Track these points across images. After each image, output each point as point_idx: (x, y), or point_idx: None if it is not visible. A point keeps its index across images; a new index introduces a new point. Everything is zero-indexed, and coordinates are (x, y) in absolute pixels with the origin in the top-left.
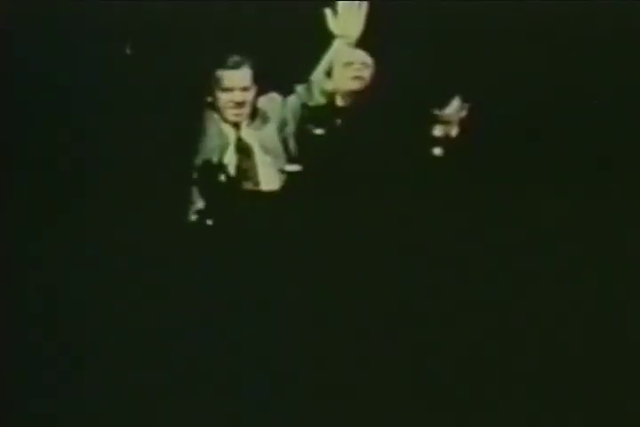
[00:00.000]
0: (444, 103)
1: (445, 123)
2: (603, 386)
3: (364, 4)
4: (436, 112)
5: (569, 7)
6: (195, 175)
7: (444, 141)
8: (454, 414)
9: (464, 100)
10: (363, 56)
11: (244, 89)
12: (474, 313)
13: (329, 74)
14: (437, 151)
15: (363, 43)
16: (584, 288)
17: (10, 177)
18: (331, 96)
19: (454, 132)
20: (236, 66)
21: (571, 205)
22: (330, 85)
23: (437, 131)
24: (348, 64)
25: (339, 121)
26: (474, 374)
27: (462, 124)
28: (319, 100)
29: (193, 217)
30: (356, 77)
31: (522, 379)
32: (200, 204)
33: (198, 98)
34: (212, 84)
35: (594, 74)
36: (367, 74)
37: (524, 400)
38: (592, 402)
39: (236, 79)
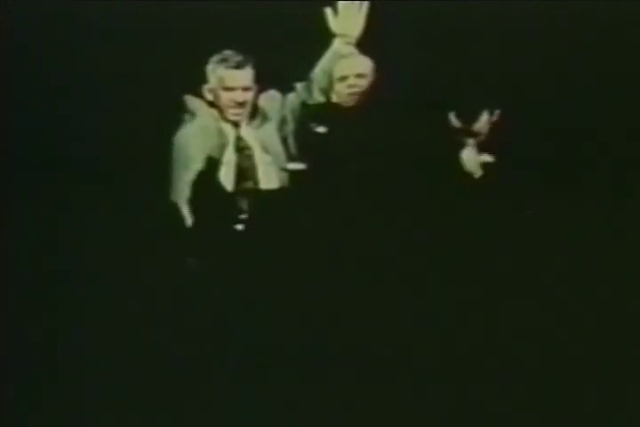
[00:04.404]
0: (440, 101)
1: (474, 135)
2: (603, 387)
3: (365, 4)
4: (462, 126)
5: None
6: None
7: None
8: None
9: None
10: (358, 66)
11: (246, 89)
12: (478, 313)
13: (329, 75)
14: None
15: (364, 42)
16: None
17: (9, 177)
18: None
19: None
20: (239, 65)
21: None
22: (333, 98)
23: (468, 141)
24: (343, 79)
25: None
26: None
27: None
28: (318, 98)
29: (192, 218)
30: (352, 94)
31: (523, 380)
32: (200, 203)
33: (199, 97)
34: (212, 83)
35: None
36: (364, 85)
37: (523, 402)
38: (592, 402)
39: (239, 79)
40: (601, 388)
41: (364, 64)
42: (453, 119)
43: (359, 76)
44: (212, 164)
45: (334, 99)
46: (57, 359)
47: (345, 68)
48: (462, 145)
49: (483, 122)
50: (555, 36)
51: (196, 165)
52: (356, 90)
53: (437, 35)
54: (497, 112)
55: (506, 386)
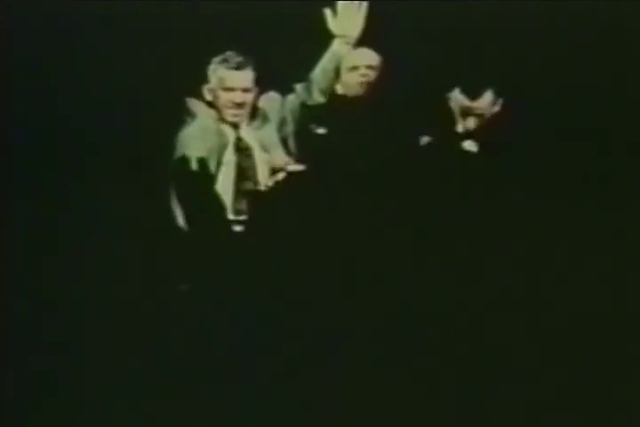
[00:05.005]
0: (440, 101)
1: (477, 115)
2: (603, 386)
3: (364, 4)
4: (468, 103)
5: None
6: (195, 175)
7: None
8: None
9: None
10: (368, 58)
11: (245, 90)
12: (480, 314)
13: (337, 75)
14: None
15: (363, 42)
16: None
17: (9, 177)
18: (329, 95)
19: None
20: (240, 67)
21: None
22: (339, 90)
23: (469, 123)
24: (354, 69)
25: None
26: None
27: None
28: (318, 99)
29: (190, 218)
30: (362, 84)
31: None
32: (199, 204)
33: (199, 97)
34: (213, 83)
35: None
36: (373, 76)
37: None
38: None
39: (238, 80)
40: (601, 387)
41: (374, 57)
42: (456, 96)
43: (369, 67)
44: (212, 164)
45: (340, 90)
46: (57, 359)
47: (356, 59)
48: (462, 138)
49: (485, 100)
50: (555, 36)
51: (195, 165)
52: (368, 79)
53: (437, 34)
54: (499, 101)
55: (506, 386)
